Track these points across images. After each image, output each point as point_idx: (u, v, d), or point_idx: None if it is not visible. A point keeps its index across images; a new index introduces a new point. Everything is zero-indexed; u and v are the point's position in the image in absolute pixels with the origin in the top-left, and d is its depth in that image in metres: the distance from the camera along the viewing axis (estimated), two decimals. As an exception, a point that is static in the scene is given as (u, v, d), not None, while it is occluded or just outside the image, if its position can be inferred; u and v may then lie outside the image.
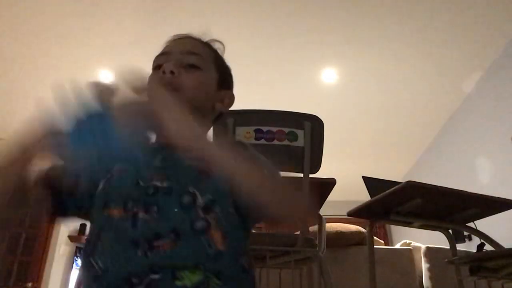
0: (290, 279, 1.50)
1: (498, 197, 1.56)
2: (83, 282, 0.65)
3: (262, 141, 1.47)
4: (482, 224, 1.80)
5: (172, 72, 0.75)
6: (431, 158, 4.60)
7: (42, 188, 0.71)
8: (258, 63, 3.43)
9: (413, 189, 1.45)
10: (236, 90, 0.87)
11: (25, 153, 0.64)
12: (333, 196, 1.69)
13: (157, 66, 0.80)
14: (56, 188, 0.72)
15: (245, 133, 1.48)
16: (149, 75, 0.79)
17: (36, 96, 3.73)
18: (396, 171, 4.99)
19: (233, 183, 0.62)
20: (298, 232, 1.46)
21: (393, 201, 1.54)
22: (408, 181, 1.42)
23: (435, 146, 4.48)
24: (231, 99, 0.85)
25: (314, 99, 3.79)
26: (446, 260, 1.83)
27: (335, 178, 1.63)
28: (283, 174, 0.75)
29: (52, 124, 0.60)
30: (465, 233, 3.28)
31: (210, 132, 0.87)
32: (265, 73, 3.55)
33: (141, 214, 0.65)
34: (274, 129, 1.48)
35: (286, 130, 1.48)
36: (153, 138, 0.78)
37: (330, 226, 2.32)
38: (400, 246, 2.70)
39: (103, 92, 0.60)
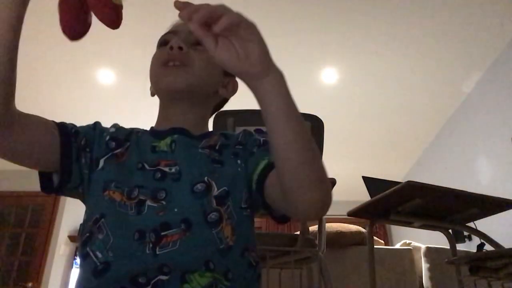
0: (290, 279, 1.50)
1: (498, 197, 1.56)
2: (80, 272, 0.62)
3: (262, 141, 1.46)
4: (482, 224, 1.80)
5: (180, 48, 0.73)
6: (431, 158, 4.60)
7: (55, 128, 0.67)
8: (258, 63, 3.42)
9: (413, 189, 1.45)
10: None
11: None
12: (333, 196, 1.68)
13: (163, 42, 0.77)
14: (67, 143, 0.66)
15: (245, 133, 1.47)
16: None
17: (35, 96, 3.74)
18: (396, 171, 4.99)
19: (295, 157, 0.56)
20: (298, 232, 1.46)
21: (393, 201, 1.54)
22: (408, 181, 1.42)
23: (435, 146, 4.47)
24: (235, 87, 0.82)
25: (314, 99, 3.78)
26: (446, 260, 1.83)
27: (335, 178, 1.62)
28: None
29: None
30: (465, 233, 3.28)
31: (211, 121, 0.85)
32: (265, 73, 3.54)
33: (149, 202, 0.62)
34: (274, 129, 1.47)
35: (286, 130, 1.47)
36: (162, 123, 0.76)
37: (330, 226, 2.32)
38: (400, 246, 2.70)
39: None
